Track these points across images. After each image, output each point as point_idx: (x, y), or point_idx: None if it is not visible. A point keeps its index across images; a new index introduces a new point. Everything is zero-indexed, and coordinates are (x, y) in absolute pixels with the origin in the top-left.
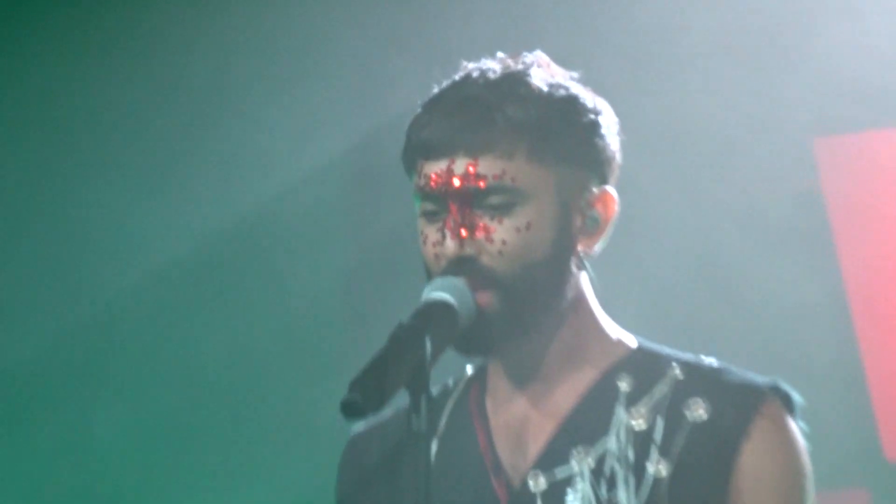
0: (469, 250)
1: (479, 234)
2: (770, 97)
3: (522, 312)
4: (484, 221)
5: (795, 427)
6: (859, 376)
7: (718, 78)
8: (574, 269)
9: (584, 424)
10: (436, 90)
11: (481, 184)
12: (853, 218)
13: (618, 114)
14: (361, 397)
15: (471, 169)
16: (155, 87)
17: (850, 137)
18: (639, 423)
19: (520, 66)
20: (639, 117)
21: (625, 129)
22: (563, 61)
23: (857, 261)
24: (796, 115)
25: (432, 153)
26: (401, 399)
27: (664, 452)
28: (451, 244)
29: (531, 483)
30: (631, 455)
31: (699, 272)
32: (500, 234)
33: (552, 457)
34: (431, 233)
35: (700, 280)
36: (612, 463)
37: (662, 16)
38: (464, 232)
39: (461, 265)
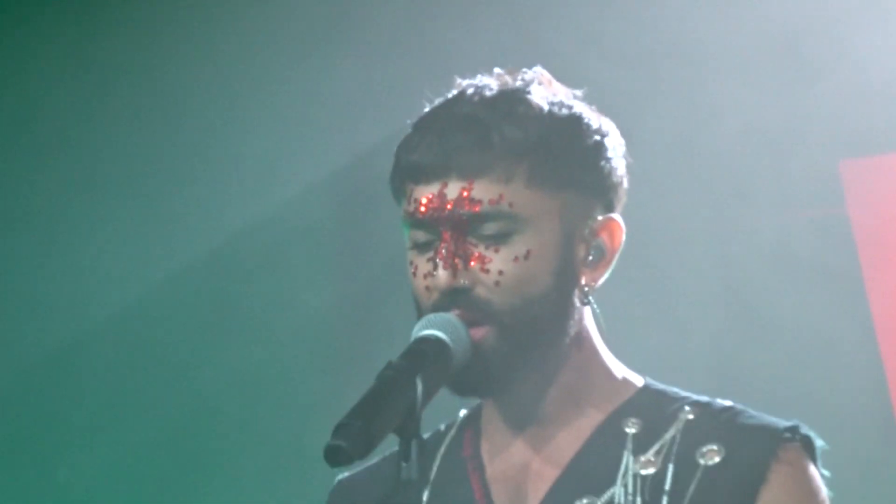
0: (463, 281)
1: (474, 264)
2: (795, 119)
3: (521, 349)
4: (479, 250)
5: (817, 473)
6: (887, 412)
7: (741, 99)
8: (577, 302)
9: (589, 472)
10: (427, 109)
11: (476, 209)
12: (880, 241)
13: (633, 137)
14: (347, 443)
15: (465, 193)
16: (149, 101)
17: (876, 159)
18: (647, 470)
19: (518, 83)
20: (657, 140)
21: (642, 152)
22: (571, 81)
23: (883, 285)
24: (822, 136)
25: (423, 176)
26: (390, 443)
27: (675, 500)
28: (443, 275)
29: None
30: None
31: (721, 298)
32: (496, 265)
33: None
34: (422, 263)
35: (722, 307)
36: None
37: (681, 33)
38: (457, 261)
39: (454, 297)
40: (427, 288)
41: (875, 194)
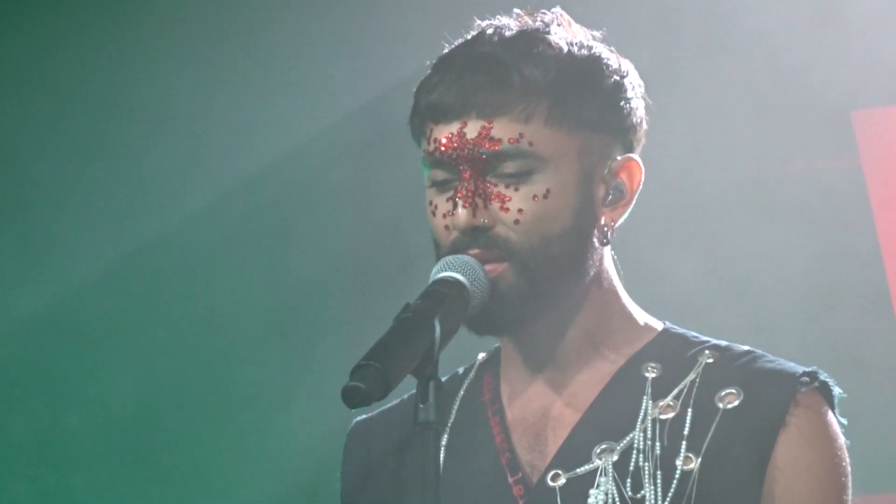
0: (482, 220)
1: (494, 203)
2: (805, 71)
3: (539, 287)
4: (499, 189)
5: (834, 419)
6: None
7: (752, 54)
8: (596, 242)
9: (608, 417)
10: (446, 49)
11: (496, 147)
12: (892, 190)
13: (648, 89)
14: (364, 385)
15: (484, 132)
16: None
17: (888, 110)
18: (666, 414)
19: (538, 24)
20: (670, 94)
21: (656, 106)
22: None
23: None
24: (833, 89)
25: (443, 116)
26: (408, 385)
27: (693, 444)
28: (462, 213)
29: (550, 480)
30: (658, 449)
31: (734, 252)
32: (516, 203)
33: (573, 452)
34: (441, 202)
35: (737, 258)
36: (637, 458)
37: None
38: (477, 200)
39: (474, 236)
40: (446, 227)
41: (887, 144)
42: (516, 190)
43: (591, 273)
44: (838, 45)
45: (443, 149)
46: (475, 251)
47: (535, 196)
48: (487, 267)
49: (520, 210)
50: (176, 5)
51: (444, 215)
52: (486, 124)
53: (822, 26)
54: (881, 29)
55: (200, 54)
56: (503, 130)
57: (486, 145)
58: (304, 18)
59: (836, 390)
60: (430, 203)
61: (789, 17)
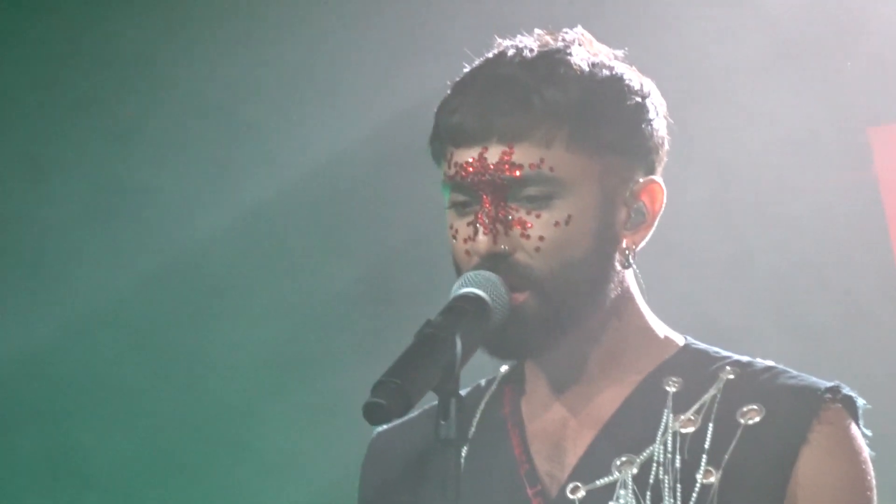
0: (503, 246)
1: (515, 229)
2: (824, 88)
3: (561, 314)
4: (520, 215)
5: (859, 433)
6: None
7: (770, 70)
8: (618, 266)
9: (628, 430)
10: (466, 70)
11: (517, 173)
12: None
13: (668, 108)
14: (386, 401)
15: (505, 157)
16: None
17: None
18: (687, 429)
19: (559, 44)
20: (689, 111)
21: (676, 123)
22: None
23: None
24: (851, 105)
25: (463, 140)
26: (428, 397)
27: (713, 459)
28: (483, 240)
29: (569, 493)
30: (678, 462)
31: (754, 266)
32: (537, 230)
33: (592, 465)
34: (462, 227)
35: (756, 274)
36: (657, 471)
37: (712, 5)
38: (498, 226)
39: (494, 262)
40: (467, 252)
41: None
42: (538, 217)
43: (613, 296)
44: (855, 62)
45: (463, 174)
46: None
47: (556, 222)
48: (511, 295)
49: (541, 237)
50: (207, 12)
51: (465, 240)
52: (507, 149)
53: (840, 43)
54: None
55: (230, 61)
56: (524, 156)
57: (507, 171)
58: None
59: (860, 402)
60: (451, 226)
61: (806, 34)
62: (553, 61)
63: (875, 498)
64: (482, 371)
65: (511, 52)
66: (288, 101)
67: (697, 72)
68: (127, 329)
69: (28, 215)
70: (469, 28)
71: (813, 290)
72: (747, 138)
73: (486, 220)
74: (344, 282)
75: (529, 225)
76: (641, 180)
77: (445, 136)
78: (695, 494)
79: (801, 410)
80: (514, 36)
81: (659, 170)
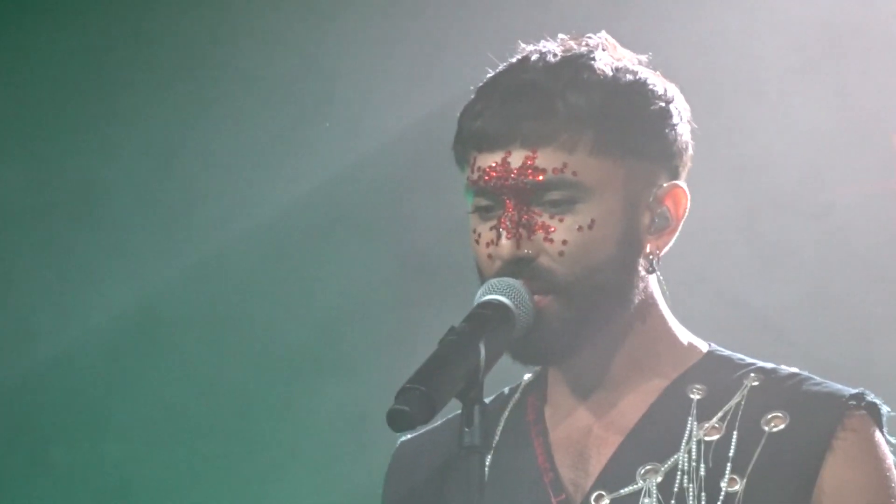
0: (526, 251)
1: (538, 234)
2: (848, 94)
3: (585, 320)
4: (543, 219)
5: (883, 440)
6: None
7: (796, 76)
8: (642, 271)
9: (653, 438)
10: (490, 74)
11: (540, 178)
12: None
13: (693, 114)
14: (410, 408)
15: (529, 162)
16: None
17: None
18: (711, 436)
19: (583, 49)
20: (715, 116)
21: (700, 129)
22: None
23: None
24: (878, 112)
25: (487, 145)
26: (453, 405)
27: (738, 466)
28: (506, 244)
29: (593, 501)
30: (703, 470)
31: (775, 272)
32: (560, 234)
33: (616, 473)
34: (485, 231)
35: (779, 281)
36: (682, 479)
37: (740, 13)
38: (521, 231)
39: (517, 267)
40: (490, 256)
41: None
42: (560, 221)
43: (637, 300)
44: (881, 67)
45: (486, 178)
46: (520, 282)
47: (579, 227)
48: (534, 299)
49: (564, 241)
50: (215, 20)
51: (488, 244)
52: (531, 154)
53: (865, 48)
54: None
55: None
56: (547, 160)
57: (531, 175)
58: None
59: (885, 409)
60: (474, 231)
61: (831, 39)
62: (577, 66)
63: None
64: (506, 380)
65: (535, 57)
66: (315, 103)
67: (721, 76)
68: (150, 336)
69: (46, 222)
70: (493, 32)
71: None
72: (771, 144)
73: (510, 225)
74: (371, 284)
75: (553, 229)
76: (665, 185)
77: (469, 141)
78: (719, 502)
79: (826, 417)
80: (538, 41)
81: (683, 175)
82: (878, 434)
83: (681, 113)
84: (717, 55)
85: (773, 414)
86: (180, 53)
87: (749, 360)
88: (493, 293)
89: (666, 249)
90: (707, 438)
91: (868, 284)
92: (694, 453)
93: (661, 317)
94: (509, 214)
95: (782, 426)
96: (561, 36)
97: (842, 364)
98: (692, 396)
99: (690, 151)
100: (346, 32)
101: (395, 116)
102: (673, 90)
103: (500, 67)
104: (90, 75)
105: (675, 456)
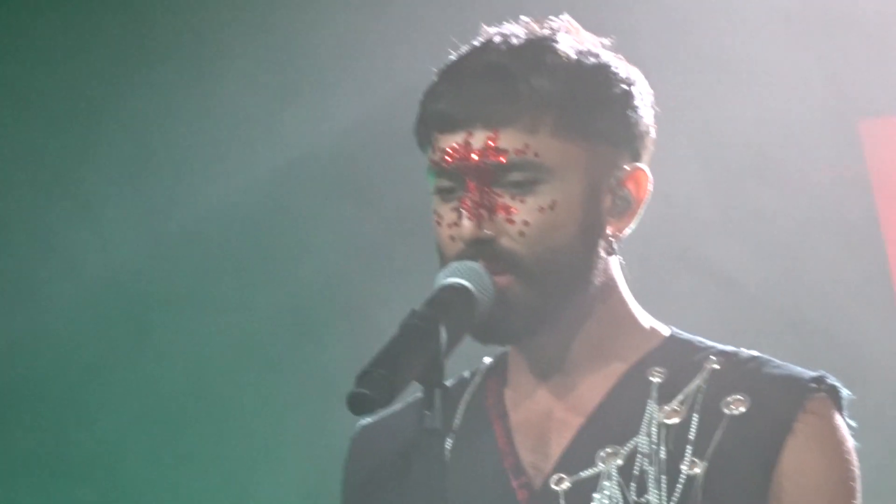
0: (487, 232)
1: (499, 214)
2: (815, 78)
3: (546, 300)
4: (504, 200)
5: (843, 423)
6: None
7: (760, 59)
8: (603, 253)
9: (613, 421)
10: (453, 57)
11: (502, 159)
12: None
13: (654, 96)
14: (370, 391)
15: (490, 143)
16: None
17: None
18: (672, 419)
19: (546, 32)
20: (677, 101)
21: (663, 113)
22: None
23: None
24: (842, 96)
25: (448, 126)
26: (412, 389)
27: (699, 450)
28: (467, 225)
29: (554, 484)
30: (663, 453)
31: (740, 257)
32: (521, 215)
33: (577, 456)
34: (446, 212)
35: (743, 265)
36: (642, 462)
37: None
38: (482, 212)
39: (479, 248)
40: (451, 237)
41: (893, 151)
42: (522, 202)
43: (597, 282)
44: (846, 53)
45: (448, 159)
46: (481, 262)
47: (541, 208)
48: (495, 279)
49: (525, 222)
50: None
51: (449, 225)
52: (492, 135)
53: (830, 34)
54: (889, 36)
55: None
56: (509, 141)
57: (492, 156)
58: (311, 21)
59: (845, 393)
60: (435, 212)
61: (796, 25)
62: (539, 49)
63: (859, 488)
64: (466, 363)
65: (497, 40)
66: (268, 89)
67: (685, 56)
68: (119, 312)
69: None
70: (455, 15)
71: (799, 283)
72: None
73: (471, 205)
74: (331, 267)
75: (514, 210)
76: (627, 168)
77: (430, 122)
78: (680, 485)
79: (787, 400)
80: (501, 23)
81: (645, 158)
82: (838, 417)
83: (643, 96)
84: (695, 27)
85: (734, 397)
86: (157, 31)
87: (710, 343)
88: (455, 276)
89: (628, 231)
90: (667, 421)
91: (843, 262)
92: (654, 436)
93: (622, 300)
94: (470, 195)
95: (743, 409)
96: (524, 19)
97: (820, 335)
98: (652, 380)
99: (653, 135)
100: (305, 20)
101: (384, 79)
102: (636, 74)
103: (463, 50)
104: (68, 55)
105: (636, 439)
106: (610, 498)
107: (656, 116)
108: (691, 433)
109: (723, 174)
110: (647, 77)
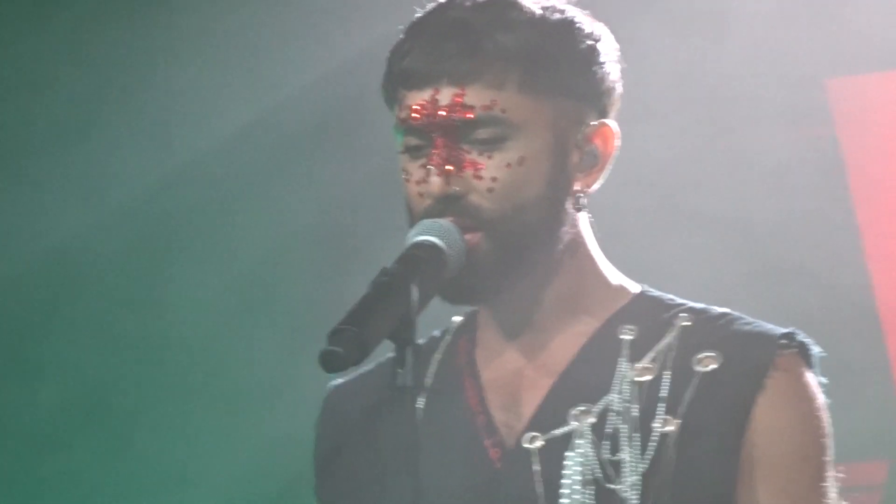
0: (456, 188)
1: (467, 171)
2: (781, 39)
3: (513, 255)
4: (472, 157)
5: (814, 380)
6: (877, 333)
7: (727, 20)
8: (570, 209)
9: (584, 379)
10: (419, 14)
11: (469, 115)
12: (868, 159)
13: (623, 56)
14: (342, 349)
15: (457, 99)
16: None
17: (862, 79)
18: (643, 377)
19: None
20: (646, 59)
21: (631, 71)
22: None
23: (872, 204)
24: (808, 57)
25: (415, 82)
26: (384, 350)
27: (671, 407)
28: (436, 181)
29: (526, 443)
30: (635, 411)
31: (709, 219)
32: (489, 171)
33: (549, 414)
34: (414, 169)
35: (711, 227)
36: (614, 420)
37: None
38: (450, 168)
39: (447, 204)
40: (420, 194)
41: (862, 113)
42: (490, 158)
43: (566, 239)
44: (811, 13)
45: (415, 115)
46: (450, 219)
47: (508, 164)
48: (464, 236)
49: (493, 178)
50: None
51: (418, 182)
52: (459, 91)
53: None
54: None
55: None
56: (476, 97)
57: (459, 113)
58: None
59: (815, 350)
60: (404, 170)
61: None
62: (504, 5)
63: (830, 444)
64: (438, 322)
65: None
66: (265, 31)
67: (644, 22)
68: (89, 266)
69: None
70: None
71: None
72: (698, 86)
73: (439, 161)
74: (305, 220)
75: (482, 166)
76: (594, 123)
77: (397, 80)
78: (653, 443)
79: (757, 357)
80: None
81: (612, 114)
82: (808, 374)
83: (609, 52)
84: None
85: (705, 354)
86: None
87: (680, 300)
88: (425, 234)
89: (595, 187)
90: (638, 379)
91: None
92: (626, 394)
93: (590, 256)
94: (438, 152)
95: (714, 366)
96: None
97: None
98: (623, 337)
99: (619, 91)
100: None
101: (323, 57)
102: (601, 30)
103: (428, 7)
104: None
105: (608, 397)
106: (583, 456)
107: (625, 70)
108: (663, 391)
109: (688, 137)
110: (619, 34)
